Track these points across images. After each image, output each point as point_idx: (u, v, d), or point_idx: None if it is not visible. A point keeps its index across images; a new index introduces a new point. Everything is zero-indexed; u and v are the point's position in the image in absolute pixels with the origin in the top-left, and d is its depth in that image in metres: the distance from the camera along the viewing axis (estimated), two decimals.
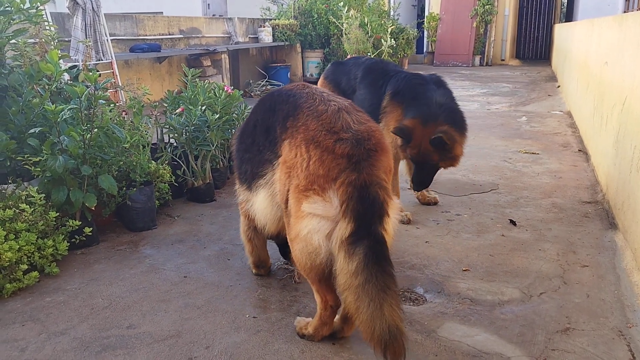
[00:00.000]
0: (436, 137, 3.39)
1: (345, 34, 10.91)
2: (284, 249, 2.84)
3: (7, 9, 3.60)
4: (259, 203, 2.52)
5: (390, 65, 4.17)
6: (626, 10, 12.43)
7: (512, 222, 3.81)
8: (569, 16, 18.97)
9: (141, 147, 3.91)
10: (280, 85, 11.74)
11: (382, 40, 11.20)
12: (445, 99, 3.63)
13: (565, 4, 20.87)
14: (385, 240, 2.11)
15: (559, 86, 10.91)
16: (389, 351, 2.00)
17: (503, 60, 17.77)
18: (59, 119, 3.23)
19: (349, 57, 10.49)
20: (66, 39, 6.36)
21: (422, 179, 3.71)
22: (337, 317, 2.40)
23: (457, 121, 3.57)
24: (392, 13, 15.11)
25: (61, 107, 3.24)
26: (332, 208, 2.12)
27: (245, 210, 2.76)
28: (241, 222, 2.93)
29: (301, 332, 2.45)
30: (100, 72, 4.19)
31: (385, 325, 2.00)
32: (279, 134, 2.36)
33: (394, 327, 2.00)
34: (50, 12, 6.16)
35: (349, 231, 2.06)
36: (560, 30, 12.96)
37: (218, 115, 4.35)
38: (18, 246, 2.91)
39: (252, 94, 10.87)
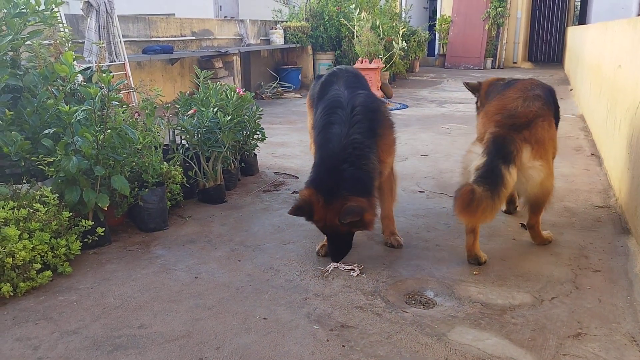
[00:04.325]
0: (342, 218, 2.97)
1: (357, 36, 10.91)
2: None
3: (23, 10, 3.65)
4: None
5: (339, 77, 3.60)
6: None
7: (524, 226, 3.78)
8: (582, 19, 18.85)
9: (153, 148, 3.94)
10: (291, 87, 11.78)
11: (394, 42, 11.19)
12: (346, 164, 3.08)
13: (578, 7, 20.73)
14: (499, 172, 3.01)
15: (571, 89, 10.83)
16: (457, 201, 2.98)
17: (515, 63, 17.71)
18: (72, 120, 3.26)
19: (359, 62, 10.52)
20: (80, 41, 6.43)
21: (338, 249, 3.19)
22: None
23: (360, 187, 3.05)
24: (403, 15, 15.09)
25: (75, 108, 3.27)
26: (481, 149, 3.16)
27: None
28: None
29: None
30: (113, 74, 4.23)
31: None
32: None
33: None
34: (64, 14, 6.23)
35: (481, 162, 3.09)
36: (573, 33, 12.87)
37: (230, 117, 4.37)
38: (32, 245, 2.94)
39: (263, 95, 10.90)
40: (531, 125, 3.16)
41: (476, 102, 4.17)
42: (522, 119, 3.18)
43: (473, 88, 4.12)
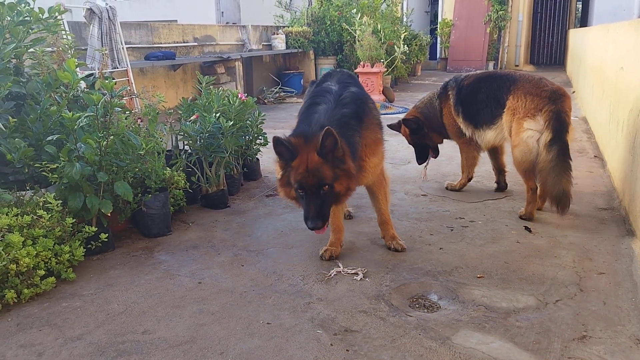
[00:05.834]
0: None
1: (358, 40, 10.92)
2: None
3: (27, 18, 3.67)
4: (489, 135, 4.27)
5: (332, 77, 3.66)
6: None
7: (527, 229, 3.78)
8: (583, 21, 18.84)
9: (156, 154, 3.95)
10: (293, 92, 11.80)
11: (395, 46, 11.20)
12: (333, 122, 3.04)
13: (580, 9, 20.73)
14: (568, 143, 3.75)
15: (574, 92, 10.82)
16: (560, 205, 3.72)
17: (517, 65, 17.69)
18: (75, 127, 3.27)
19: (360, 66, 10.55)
20: (83, 48, 6.46)
21: (317, 209, 2.90)
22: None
23: (344, 142, 2.99)
24: (405, 19, 15.13)
25: (78, 114, 3.28)
26: (539, 125, 3.78)
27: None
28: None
29: (521, 214, 3.99)
30: (116, 80, 4.24)
31: (560, 189, 3.71)
32: (505, 96, 4.03)
33: (565, 190, 3.70)
34: (67, 21, 6.26)
35: (549, 138, 3.72)
36: (575, 36, 12.87)
37: (232, 123, 4.37)
38: (35, 252, 2.95)
39: (265, 100, 10.91)
40: (567, 96, 3.89)
41: (414, 135, 4.79)
42: (561, 91, 3.89)
43: (398, 125, 4.86)
